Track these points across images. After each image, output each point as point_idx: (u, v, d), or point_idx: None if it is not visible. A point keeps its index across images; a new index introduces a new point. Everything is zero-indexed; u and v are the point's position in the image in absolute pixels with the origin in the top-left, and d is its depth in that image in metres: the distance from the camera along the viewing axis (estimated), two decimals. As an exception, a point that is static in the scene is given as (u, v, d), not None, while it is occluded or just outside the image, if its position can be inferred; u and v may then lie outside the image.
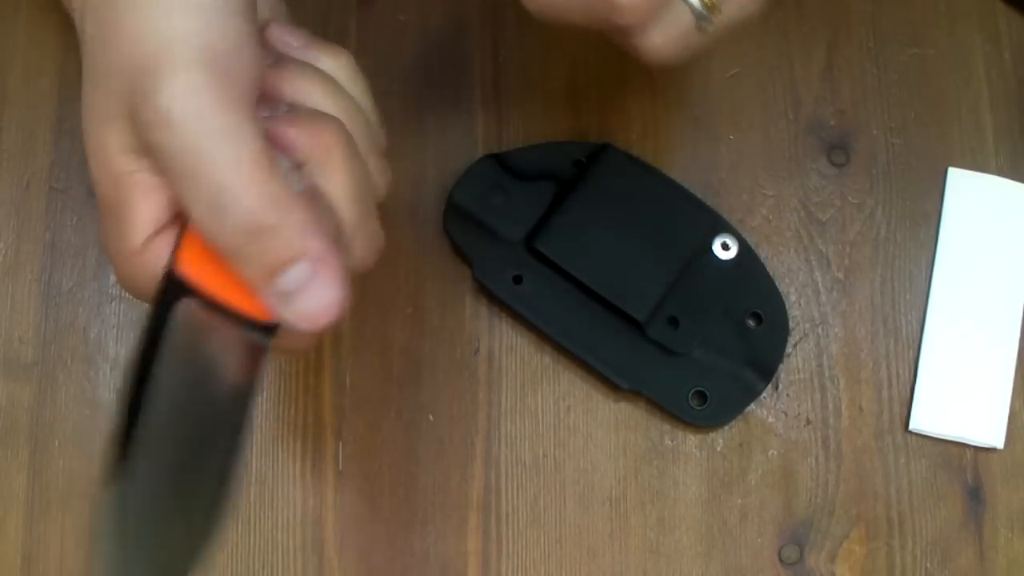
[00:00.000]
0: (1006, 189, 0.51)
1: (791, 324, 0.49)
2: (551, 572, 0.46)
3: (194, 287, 0.30)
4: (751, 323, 0.48)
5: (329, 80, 0.33)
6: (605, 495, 0.47)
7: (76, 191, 0.49)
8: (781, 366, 0.49)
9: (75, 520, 0.46)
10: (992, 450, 0.48)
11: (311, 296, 0.29)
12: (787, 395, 0.49)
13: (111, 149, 0.30)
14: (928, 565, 0.47)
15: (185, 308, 0.30)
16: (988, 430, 0.48)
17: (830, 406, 0.49)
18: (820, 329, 0.49)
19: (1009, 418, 0.48)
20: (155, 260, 0.31)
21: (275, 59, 0.33)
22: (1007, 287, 0.50)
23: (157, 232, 0.31)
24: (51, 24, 0.51)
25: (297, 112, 0.32)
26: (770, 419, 0.48)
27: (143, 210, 0.30)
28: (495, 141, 0.51)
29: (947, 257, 0.50)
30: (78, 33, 0.33)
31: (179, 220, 0.31)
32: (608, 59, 0.52)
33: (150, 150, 0.29)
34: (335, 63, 0.34)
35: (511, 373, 0.48)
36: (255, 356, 0.31)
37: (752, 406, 0.48)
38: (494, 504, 0.47)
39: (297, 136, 0.30)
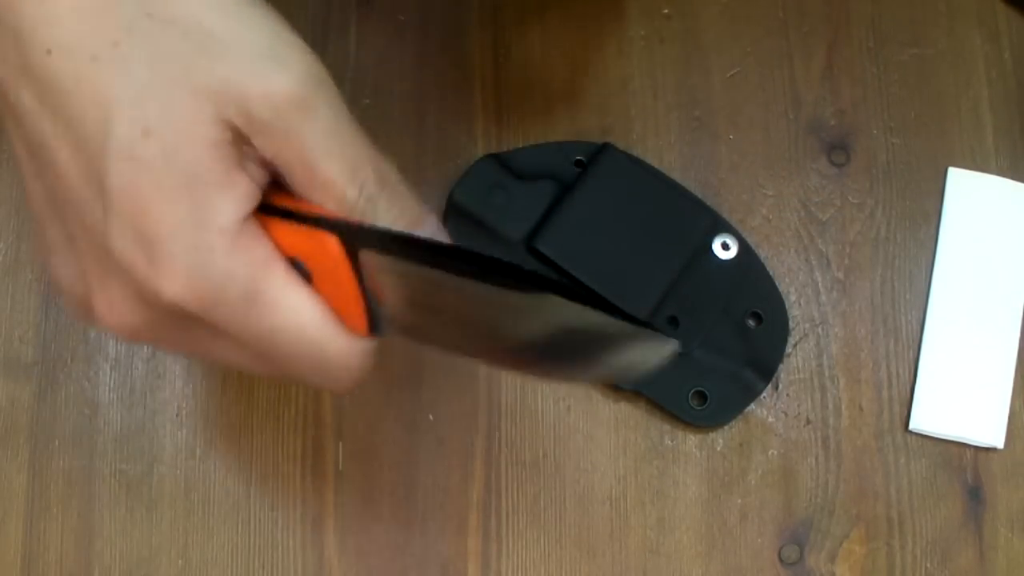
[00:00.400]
0: (1006, 189, 0.51)
1: (791, 324, 0.49)
2: (551, 572, 0.46)
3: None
4: (751, 323, 0.48)
5: None
6: (605, 495, 0.47)
7: (76, 191, 0.49)
8: (781, 366, 0.49)
9: (75, 520, 0.46)
10: (992, 450, 0.48)
11: None
12: (787, 395, 0.49)
13: (207, 119, 0.28)
14: (928, 565, 0.47)
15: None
16: (988, 430, 0.48)
17: (830, 406, 0.49)
18: (820, 329, 0.49)
19: (1009, 418, 0.48)
20: (252, 256, 0.28)
21: None
22: (1007, 287, 0.50)
23: (246, 217, 0.28)
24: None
25: None
26: (770, 419, 0.48)
27: (241, 184, 0.28)
28: (495, 141, 0.51)
29: (947, 257, 0.50)
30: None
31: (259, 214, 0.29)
32: (608, 59, 0.52)
33: (273, 132, 0.28)
34: None
35: (511, 373, 0.48)
36: None
37: (752, 406, 0.48)
38: (494, 504, 0.47)
39: None
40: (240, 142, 0.29)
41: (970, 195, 0.51)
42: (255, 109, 0.28)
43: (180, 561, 0.46)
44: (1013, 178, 0.51)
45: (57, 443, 0.47)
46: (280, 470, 0.47)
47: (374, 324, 0.31)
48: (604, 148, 0.49)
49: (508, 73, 0.52)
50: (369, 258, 0.29)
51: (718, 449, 0.48)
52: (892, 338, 0.50)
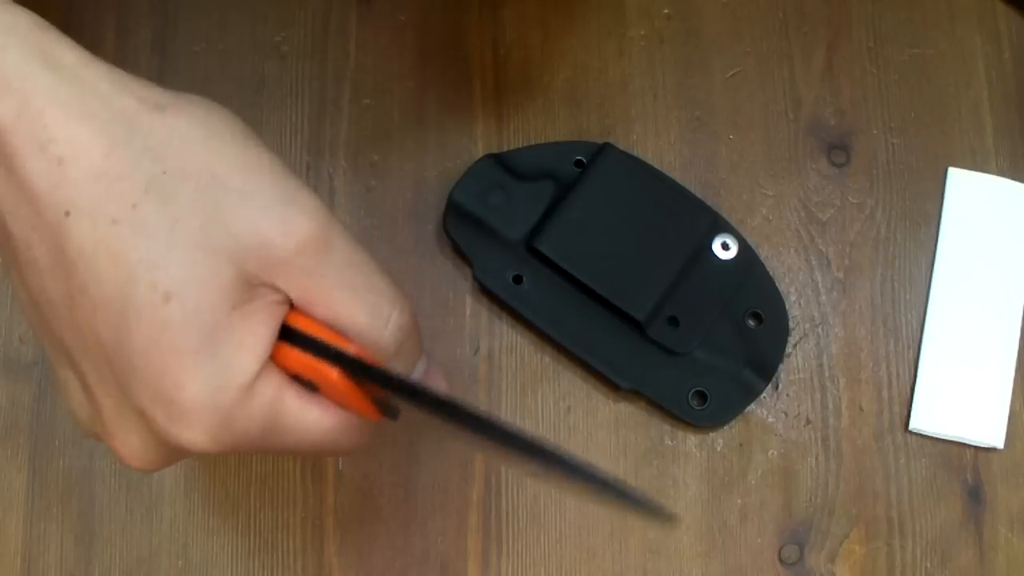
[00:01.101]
0: (1006, 189, 0.51)
1: (791, 324, 0.49)
2: (551, 572, 0.46)
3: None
4: (751, 323, 0.48)
5: None
6: (605, 495, 0.47)
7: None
8: (781, 366, 0.49)
9: (75, 520, 0.46)
10: (992, 450, 0.48)
11: (434, 380, 0.34)
12: (787, 395, 0.49)
13: (228, 279, 0.29)
14: (928, 565, 0.47)
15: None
16: (988, 430, 0.48)
17: (830, 406, 0.49)
18: (820, 329, 0.49)
19: (1009, 418, 0.48)
20: (267, 397, 0.29)
21: None
22: (1007, 287, 0.50)
23: (263, 367, 0.29)
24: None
25: None
26: (770, 419, 0.48)
27: (260, 335, 0.29)
28: (495, 141, 0.51)
29: (947, 257, 0.50)
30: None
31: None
32: (608, 59, 0.52)
33: (296, 273, 0.29)
34: None
35: (511, 373, 0.48)
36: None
37: (752, 406, 0.48)
38: (494, 504, 0.47)
39: None
40: (261, 291, 0.29)
41: (970, 195, 0.51)
42: (276, 254, 0.29)
43: (180, 561, 0.46)
44: (1013, 178, 0.51)
45: (57, 443, 0.47)
46: (280, 470, 0.47)
47: (386, 412, 0.32)
48: (604, 148, 0.49)
49: (508, 73, 0.52)
50: (374, 388, 0.31)
51: (718, 449, 0.48)
52: (892, 338, 0.50)
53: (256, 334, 0.29)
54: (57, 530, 0.46)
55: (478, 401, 0.48)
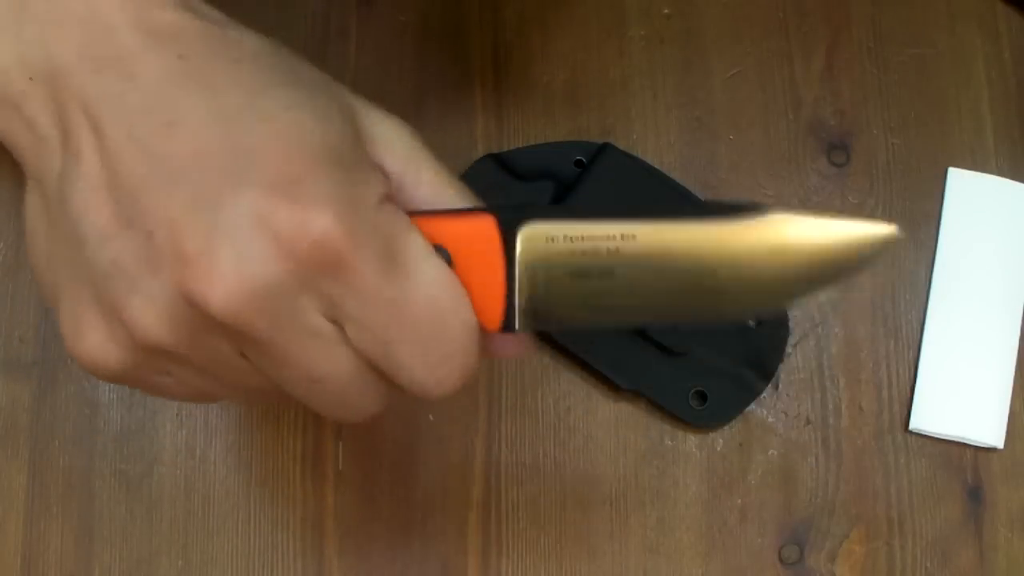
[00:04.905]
0: (1006, 189, 0.51)
1: (791, 324, 0.49)
2: (551, 572, 0.46)
3: None
4: (751, 323, 0.48)
5: None
6: (605, 495, 0.47)
7: (76, 191, 0.49)
8: (781, 366, 0.49)
9: (75, 520, 0.46)
10: (992, 450, 0.48)
11: None
12: (787, 395, 0.49)
13: (349, 128, 0.30)
14: (928, 565, 0.47)
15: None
16: (988, 430, 0.48)
17: (830, 406, 0.49)
18: (820, 329, 0.49)
19: (1009, 418, 0.48)
20: (393, 219, 0.29)
21: None
22: (1007, 287, 0.50)
23: (388, 195, 0.30)
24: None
25: None
26: (770, 419, 0.48)
27: (382, 174, 0.30)
28: (495, 141, 0.51)
29: (947, 257, 0.50)
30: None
31: None
32: (608, 59, 0.52)
33: (406, 156, 0.31)
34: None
35: (511, 373, 0.48)
36: None
37: (752, 406, 0.48)
38: (494, 504, 0.47)
39: None
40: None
41: (970, 195, 0.51)
42: (395, 147, 0.31)
43: (180, 561, 0.46)
44: (1013, 178, 0.51)
45: (57, 443, 0.47)
46: (280, 470, 0.47)
47: (508, 318, 0.31)
48: (604, 148, 0.49)
49: (508, 73, 0.52)
50: (533, 232, 0.30)
51: (718, 449, 0.48)
52: (892, 338, 0.50)
53: (379, 172, 0.30)
54: (57, 530, 0.46)
55: (478, 401, 0.48)
